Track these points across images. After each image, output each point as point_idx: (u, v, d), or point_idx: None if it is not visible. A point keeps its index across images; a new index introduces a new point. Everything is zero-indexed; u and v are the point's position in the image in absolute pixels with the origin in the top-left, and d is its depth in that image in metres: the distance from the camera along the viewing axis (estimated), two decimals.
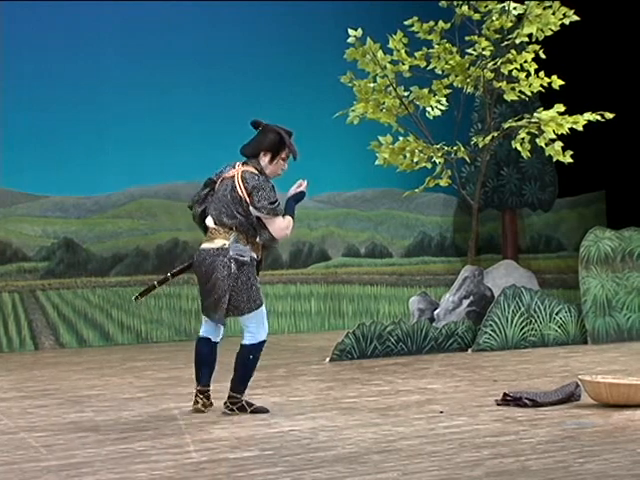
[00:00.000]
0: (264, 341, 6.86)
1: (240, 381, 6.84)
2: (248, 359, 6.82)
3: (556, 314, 10.67)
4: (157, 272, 12.32)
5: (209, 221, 6.87)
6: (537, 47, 10.82)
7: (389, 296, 13.80)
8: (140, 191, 12.48)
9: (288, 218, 6.88)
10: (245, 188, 6.74)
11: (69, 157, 12.06)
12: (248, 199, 6.73)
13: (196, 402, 6.91)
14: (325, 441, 5.80)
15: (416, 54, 10.88)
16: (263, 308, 6.84)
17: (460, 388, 7.80)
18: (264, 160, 6.91)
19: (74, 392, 8.16)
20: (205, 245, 6.80)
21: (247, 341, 6.82)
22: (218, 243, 6.73)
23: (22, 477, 5.14)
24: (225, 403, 6.84)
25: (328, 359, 9.82)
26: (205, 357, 6.94)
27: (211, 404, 6.93)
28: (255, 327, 6.82)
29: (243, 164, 6.91)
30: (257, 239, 6.79)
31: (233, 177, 6.83)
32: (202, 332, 7.00)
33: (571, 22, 10.77)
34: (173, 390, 7.91)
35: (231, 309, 6.74)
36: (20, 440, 6.12)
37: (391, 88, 10.79)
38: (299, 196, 7.08)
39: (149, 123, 12.44)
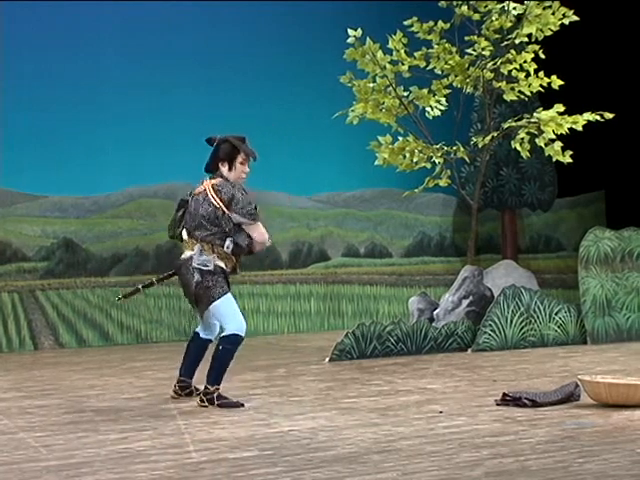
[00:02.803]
0: (235, 335, 7.16)
1: (211, 373, 7.17)
2: (218, 351, 7.17)
3: (555, 314, 10.67)
4: (156, 272, 12.24)
5: (184, 233, 7.35)
6: (537, 47, 10.82)
7: (389, 296, 13.80)
8: (139, 191, 12.48)
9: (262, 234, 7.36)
10: (221, 199, 7.18)
11: (68, 157, 12.06)
12: (226, 208, 7.15)
13: (173, 388, 7.58)
14: (325, 441, 5.80)
15: (416, 54, 10.88)
16: (225, 300, 7.15)
17: (460, 388, 7.80)
18: (224, 170, 7.31)
19: (74, 392, 8.16)
20: (182, 255, 7.33)
21: (222, 334, 7.25)
22: (187, 254, 7.25)
23: (22, 477, 5.14)
24: (200, 396, 7.22)
25: (328, 359, 9.82)
26: (189, 349, 7.60)
27: (184, 395, 7.47)
28: (223, 320, 7.23)
29: (210, 179, 7.33)
30: (225, 248, 7.20)
31: (203, 191, 7.28)
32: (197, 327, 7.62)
33: (570, 22, 10.77)
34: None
35: (199, 304, 7.24)
36: (20, 440, 6.12)
37: (391, 88, 10.79)
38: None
39: (148, 123, 12.44)
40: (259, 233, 7.28)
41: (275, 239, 13.16)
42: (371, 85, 10.79)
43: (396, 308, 13.64)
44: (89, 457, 5.55)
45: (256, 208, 7.24)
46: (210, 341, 7.58)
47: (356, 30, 10.57)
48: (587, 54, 13.16)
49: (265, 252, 13.16)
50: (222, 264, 7.19)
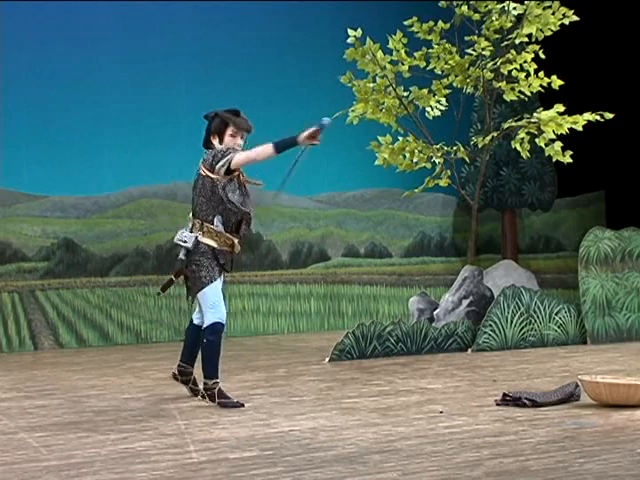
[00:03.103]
0: (216, 323, 7.10)
1: (204, 367, 7.16)
2: (203, 342, 7.15)
3: (556, 314, 10.67)
4: (157, 272, 12.35)
5: (190, 215, 7.29)
6: (537, 47, 10.82)
7: (389, 296, 13.80)
8: (140, 191, 12.48)
9: (266, 146, 7.02)
10: (205, 167, 7.09)
11: (69, 157, 12.05)
12: (210, 173, 7.05)
13: (173, 370, 7.58)
14: (325, 441, 5.81)
15: (416, 54, 10.88)
16: (212, 287, 7.09)
17: (460, 388, 7.80)
18: (215, 144, 7.24)
19: (74, 392, 8.16)
20: None
21: (203, 324, 7.18)
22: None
23: (22, 477, 5.14)
24: (201, 392, 7.26)
25: (328, 359, 9.82)
26: (186, 336, 7.55)
27: (181, 380, 7.47)
28: (205, 308, 7.15)
29: None
30: (214, 225, 7.06)
31: (199, 167, 7.19)
32: None
33: (571, 22, 10.77)
34: (173, 390, 7.90)
35: (191, 290, 7.19)
36: (20, 440, 6.12)
37: (391, 88, 10.79)
38: (299, 143, 7.12)
39: (149, 123, 12.44)
40: (246, 158, 7.03)
41: (275, 239, 13.19)
42: (371, 85, 10.79)
43: (396, 308, 13.64)
44: (89, 457, 5.55)
45: (227, 150, 7.05)
46: (202, 327, 7.36)
47: (356, 30, 10.57)
48: (587, 54, 13.16)
49: (265, 252, 13.23)
50: (211, 242, 7.08)
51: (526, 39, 10.82)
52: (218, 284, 7.17)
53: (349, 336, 9.95)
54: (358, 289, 13.64)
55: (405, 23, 10.95)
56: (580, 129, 10.54)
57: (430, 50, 10.92)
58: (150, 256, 12.46)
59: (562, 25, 10.80)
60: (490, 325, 10.37)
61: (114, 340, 12.22)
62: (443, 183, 11.08)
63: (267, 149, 7.04)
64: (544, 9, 10.72)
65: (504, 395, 6.98)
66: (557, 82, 10.78)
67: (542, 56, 10.79)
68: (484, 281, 10.93)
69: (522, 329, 10.49)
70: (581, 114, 10.52)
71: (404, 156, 10.96)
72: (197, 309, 7.42)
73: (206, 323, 7.14)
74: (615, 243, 11.04)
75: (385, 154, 10.90)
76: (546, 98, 11.32)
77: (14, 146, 11.79)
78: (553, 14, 10.71)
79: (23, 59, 11.90)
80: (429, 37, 10.94)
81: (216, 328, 7.12)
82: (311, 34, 13.30)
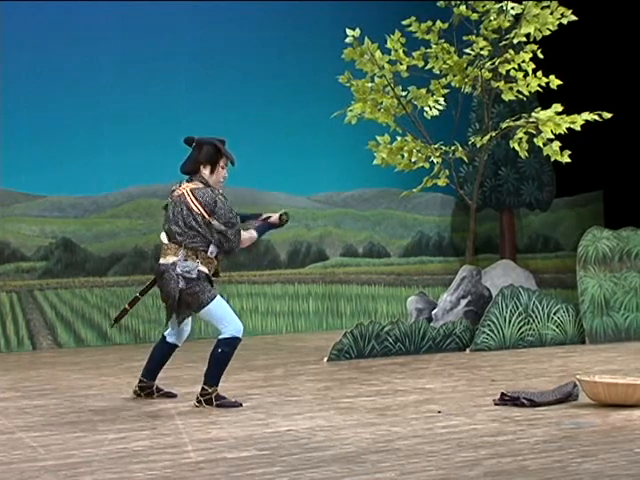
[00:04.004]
0: (235, 337, 7.15)
1: (209, 374, 7.16)
2: (216, 352, 7.16)
3: (554, 314, 10.68)
4: None
5: (163, 236, 7.30)
6: (535, 47, 10.82)
7: (387, 296, 13.79)
8: (138, 191, 12.47)
9: (253, 235, 7.40)
10: (202, 205, 7.11)
11: (67, 157, 12.04)
12: (207, 215, 7.08)
13: (134, 388, 7.68)
14: (323, 441, 5.81)
15: (414, 54, 10.89)
16: (217, 303, 7.15)
17: (458, 388, 7.80)
18: (205, 173, 7.24)
19: (72, 392, 8.16)
20: (161, 260, 7.28)
21: (220, 336, 7.19)
22: (169, 260, 7.18)
23: (20, 477, 5.14)
24: (197, 397, 7.20)
25: (326, 359, 9.82)
26: (153, 352, 7.63)
27: (144, 395, 7.55)
28: (219, 322, 7.16)
29: (187, 182, 7.29)
30: (209, 253, 7.15)
31: (181, 195, 7.22)
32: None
33: (569, 22, 10.77)
34: (171, 390, 7.89)
35: (184, 310, 7.18)
36: (18, 440, 6.12)
37: (389, 88, 10.79)
38: (273, 227, 7.63)
39: (148, 123, 12.42)
40: (244, 242, 7.28)
41: (274, 239, 13.18)
42: (369, 85, 10.79)
43: (394, 308, 13.64)
44: (87, 457, 5.55)
45: (237, 215, 7.21)
46: (177, 346, 7.60)
47: (354, 30, 10.57)
48: (585, 54, 13.16)
49: (264, 252, 13.23)
50: (205, 269, 7.15)
51: (524, 39, 10.82)
52: (221, 300, 7.22)
53: (347, 336, 9.95)
54: (356, 289, 13.64)
55: (403, 23, 10.96)
56: (578, 129, 10.55)
57: (428, 50, 10.92)
58: (149, 256, 12.44)
59: (560, 25, 10.80)
60: (488, 325, 10.37)
61: (112, 340, 12.21)
62: (441, 183, 11.08)
63: (252, 237, 7.40)
64: (542, 9, 10.72)
65: (502, 395, 6.99)
66: (555, 82, 10.79)
67: (540, 56, 10.80)
68: (482, 281, 10.93)
69: (520, 329, 10.50)
70: (579, 114, 10.52)
71: (402, 156, 10.96)
72: (171, 329, 7.48)
73: (223, 335, 7.16)
74: (613, 243, 11.04)
75: (383, 154, 10.90)
76: (544, 98, 11.32)
77: (13, 146, 11.77)
78: (551, 14, 10.71)
79: (23, 59, 11.89)
80: (427, 37, 10.94)
81: (233, 342, 7.16)
82: (311, 34, 13.30)
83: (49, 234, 12.08)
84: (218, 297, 7.19)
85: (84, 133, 12.14)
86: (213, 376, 7.15)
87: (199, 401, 7.15)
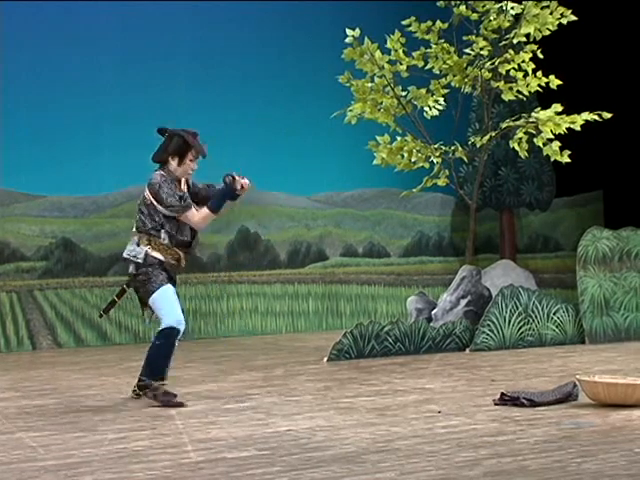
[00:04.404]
0: (171, 327, 7.15)
1: (144, 364, 7.26)
2: (152, 344, 7.25)
3: (554, 314, 10.68)
4: None
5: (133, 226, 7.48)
6: (535, 47, 10.82)
7: (387, 296, 13.79)
8: (138, 191, 12.26)
9: (205, 212, 7.29)
10: (150, 192, 7.27)
11: (67, 157, 12.04)
12: (154, 200, 7.22)
13: (132, 388, 7.58)
14: (322, 441, 5.81)
15: (414, 54, 10.88)
16: (162, 292, 7.17)
17: (458, 388, 7.80)
18: (172, 164, 7.35)
19: (72, 392, 8.16)
20: None
21: (158, 328, 7.26)
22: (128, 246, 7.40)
23: (20, 477, 5.14)
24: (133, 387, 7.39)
25: (326, 359, 9.82)
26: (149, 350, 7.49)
27: (144, 394, 7.38)
28: (159, 312, 7.22)
29: (156, 171, 7.41)
30: (161, 239, 7.23)
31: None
32: None
33: (569, 22, 10.77)
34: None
35: (141, 299, 7.32)
36: (17, 440, 6.12)
37: (389, 88, 10.79)
38: (227, 196, 7.37)
39: (147, 123, 12.37)
40: (192, 222, 7.28)
41: (273, 239, 13.19)
42: (369, 85, 10.79)
43: (394, 308, 13.64)
44: (87, 457, 5.55)
45: (182, 199, 7.22)
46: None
47: (354, 30, 10.57)
48: (585, 54, 13.16)
49: (263, 252, 13.22)
50: (159, 255, 7.21)
51: (524, 39, 10.82)
52: (168, 289, 7.22)
53: (347, 336, 9.95)
54: (356, 289, 13.64)
55: (403, 23, 10.95)
56: (578, 129, 10.54)
57: (428, 50, 10.92)
58: None
59: (560, 25, 10.80)
60: (488, 325, 10.37)
61: (112, 340, 12.21)
62: (441, 183, 11.08)
63: (208, 215, 7.30)
64: (542, 9, 10.72)
65: (502, 395, 6.99)
66: (555, 82, 10.79)
67: (540, 56, 10.80)
68: (482, 281, 10.93)
69: (520, 329, 10.49)
70: (579, 114, 10.52)
71: (402, 156, 10.96)
72: (152, 321, 7.52)
73: (161, 326, 7.20)
74: (613, 243, 11.04)
75: (383, 154, 10.90)
76: (544, 98, 11.31)
77: (13, 146, 11.77)
78: (551, 14, 10.71)
79: (23, 59, 11.89)
80: (427, 37, 10.94)
81: (167, 332, 7.16)
82: (311, 34, 13.30)
83: (49, 234, 12.08)
84: (165, 286, 7.19)
85: (84, 133, 12.14)
86: (149, 368, 7.21)
87: (134, 391, 7.32)
